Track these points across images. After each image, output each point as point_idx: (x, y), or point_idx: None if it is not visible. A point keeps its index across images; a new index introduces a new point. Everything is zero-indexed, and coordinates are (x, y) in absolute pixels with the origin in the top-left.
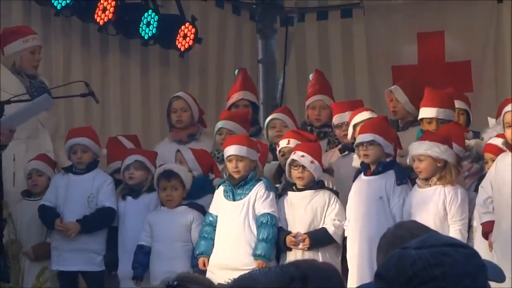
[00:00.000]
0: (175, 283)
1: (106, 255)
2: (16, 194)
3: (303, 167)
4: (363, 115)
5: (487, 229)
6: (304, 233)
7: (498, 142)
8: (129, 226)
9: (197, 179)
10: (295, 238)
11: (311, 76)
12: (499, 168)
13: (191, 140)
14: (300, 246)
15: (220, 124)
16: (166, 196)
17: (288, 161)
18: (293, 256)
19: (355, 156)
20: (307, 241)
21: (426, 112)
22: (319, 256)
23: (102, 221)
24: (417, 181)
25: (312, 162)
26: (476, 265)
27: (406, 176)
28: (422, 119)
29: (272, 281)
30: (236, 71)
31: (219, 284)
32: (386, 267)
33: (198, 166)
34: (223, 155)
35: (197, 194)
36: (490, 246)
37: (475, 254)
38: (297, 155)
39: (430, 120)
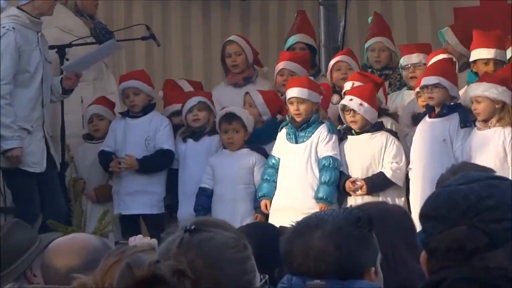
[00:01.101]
0: (193, 227)
1: (166, 197)
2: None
3: (354, 110)
4: (440, 57)
5: None
6: (362, 179)
7: None
8: (189, 169)
9: (266, 124)
10: (352, 185)
11: (370, 20)
12: None
13: (247, 83)
14: (358, 192)
15: (281, 65)
16: (227, 139)
17: (340, 106)
18: (353, 200)
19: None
20: (364, 188)
21: (482, 53)
22: (379, 200)
23: (160, 163)
24: (477, 123)
25: (361, 104)
26: None
27: (471, 119)
28: (475, 60)
29: (338, 220)
30: (296, 13)
31: (281, 226)
32: (434, 205)
33: (267, 110)
34: (285, 97)
35: (265, 139)
36: None
37: None
38: (345, 100)
39: (487, 61)
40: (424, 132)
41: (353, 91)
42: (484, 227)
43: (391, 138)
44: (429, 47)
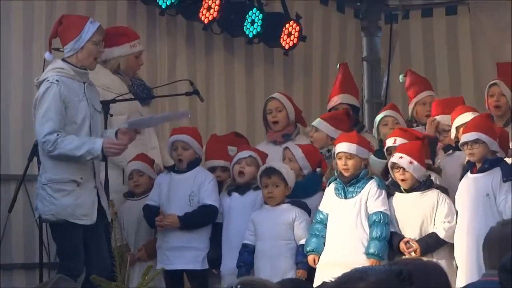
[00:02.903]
0: (238, 286)
1: (210, 252)
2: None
3: (403, 168)
4: (465, 117)
5: None
6: (415, 241)
7: None
8: (234, 223)
9: (307, 177)
10: (406, 247)
11: (401, 78)
12: None
13: (286, 140)
14: (413, 254)
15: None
16: (267, 193)
17: (389, 164)
18: None
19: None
20: (418, 250)
21: None
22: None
23: (202, 219)
24: None
25: (411, 162)
26: None
27: None
28: None
29: (381, 273)
30: (338, 65)
31: (324, 282)
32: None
33: (307, 163)
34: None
35: (307, 193)
36: None
37: None
38: (395, 157)
39: None
40: (467, 188)
41: (402, 148)
42: None
43: (442, 196)
44: (461, 101)
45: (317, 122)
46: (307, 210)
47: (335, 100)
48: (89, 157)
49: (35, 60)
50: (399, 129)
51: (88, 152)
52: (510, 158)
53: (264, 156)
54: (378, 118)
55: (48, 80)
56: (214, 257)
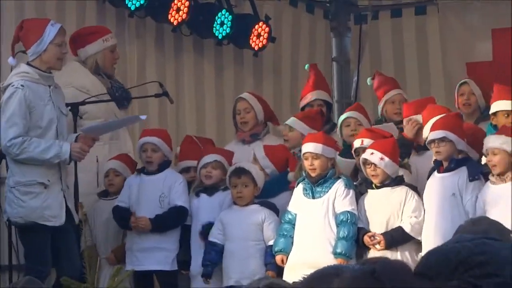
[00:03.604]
0: None
1: (179, 253)
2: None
3: (375, 164)
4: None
5: None
6: (381, 233)
7: None
8: (201, 223)
9: (272, 177)
10: (371, 239)
11: (369, 81)
12: None
13: (255, 140)
14: (377, 247)
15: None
16: (236, 193)
17: (361, 160)
18: (372, 255)
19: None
20: (382, 242)
21: (504, 105)
22: (397, 255)
23: (173, 220)
24: (490, 177)
25: (382, 158)
26: None
27: (479, 172)
28: (496, 112)
29: (355, 271)
30: (307, 66)
31: (294, 282)
32: (425, 265)
33: (269, 163)
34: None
35: (272, 192)
36: None
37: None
38: (367, 153)
39: (507, 113)
40: (433, 188)
41: (374, 145)
42: (475, 282)
43: (411, 192)
44: (432, 101)
45: (292, 121)
46: (276, 211)
47: (309, 97)
48: (56, 160)
49: (3, 62)
50: (366, 130)
51: (56, 156)
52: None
53: (230, 154)
54: (341, 118)
55: (13, 85)
56: (183, 258)
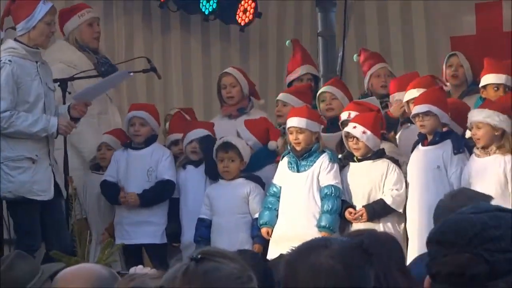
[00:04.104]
0: (199, 256)
1: (168, 226)
2: (87, 168)
3: (357, 138)
4: (412, 93)
5: None
6: (363, 206)
7: None
8: (190, 195)
9: (256, 151)
10: (351, 215)
11: (355, 57)
12: None
13: (241, 114)
14: (360, 219)
15: (278, 97)
16: (223, 168)
17: (343, 133)
18: (356, 227)
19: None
20: (364, 215)
21: (494, 78)
22: (380, 227)
23: (161, 194)
24: (475, 150)
25: (364, 132)
26: None
27: (463, 145)
28: (486, 85)
29: (343, 242)
30: (288, 41)
31: (281, 254)
32: (441, 231)
33: (251, 136)
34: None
35: (257, 166)
36: None
37: None
38: (349, 127)
39: (497, 86)
40: (418, 161)
41: (356, 119)
42: (487, 256)
43: (392, 165)
44: (416, 75)
45: (284, 96)
46: (261, 184)
47: (299, 72)
48: (43, 134)
49: None
50: (353, 102)
51: (43, 130)
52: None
53: (211, 125)
54: (318, 94)
55: (1, 61)
56: (172, 231)
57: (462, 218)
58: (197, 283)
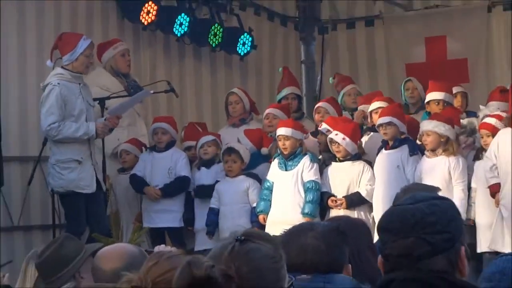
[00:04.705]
0: (243, 237)
1: (184, 214)
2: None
3: (338, 143)
4: (375, 105)
5: (495, 190)
6: (343, 196)
7: (492, 121)
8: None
9: (252, 153)
10: (334, 203)
11: (331, 80)
12: (501, 141)
13: (242, 124)
14: (340, 207)
15: (267, 111)
16: (227, 167)
17: (328, 139)
18: (335, 213)
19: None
20: (344, 204)
21: (436, 95)
22: (354, 214)
23: (179, 187)
24: (426, 152)
25: (344, 139)
26: (456, 211)
27: (417, 149)
28: (429, 101)
29: (324, 226)
30: (280, 68)
31: (274, 235)
32: (389, 220)
33: (248, 142)
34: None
35: (253, 165)
36: (497, 202)
37: (453, 204)
38: (333, 134)
39: (438, 101)
40: (382, 162)
41: (338, 128)
42: (428, 238)
43: (367, 166)
44: (380, 94)
45: (272, 110)
46: (258, 180)
47: (285, 92)
48: (85, 137)
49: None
50: (330, 118)
51: (84, 133)
52: (418, 141)
53: (218, 135)
54: (315, 107)
55: (52, 83)
56: (187, 217)
57: (404, 208)
58: (240, 261)
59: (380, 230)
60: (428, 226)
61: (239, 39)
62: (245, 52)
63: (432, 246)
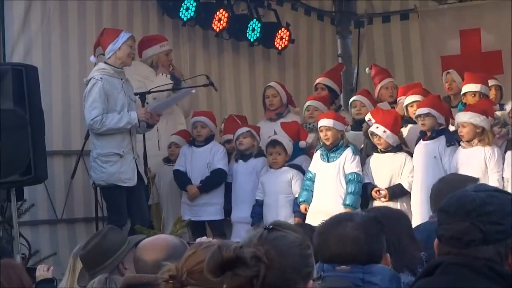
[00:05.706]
0: (271, 226)
1: (225, 205)
2: (159, 158)
3: (379, 136)
4: (410, 98)
5: None
6: (385, 188)
7: None
8: (239, 183)
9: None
10: (377, 194)
11: (367, 70)
12: None
13: (279, 118)
14: (383, 199)
15: (307, 103)
16: (272, 159)
17: (369, 131)
18: (377, 204)
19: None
20: (387, 196)
21: (472, 87)
22: (397, 205)
23: (216, 180)
24: (462, 143)
25: (384, 131)
26: None
27: (454, 140)
28: (466, 93)
29: (363, 216)
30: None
31: (314, 225)
32: (448, 203)
33: (285, 135)
34: (312, 126)
35: (290, 157)
36: None
37: None
38: (373, 127)
39: (474, 93)
40: (420, 152)
41: (379, 120)
42: (482, 226)
43: (409, 158)
44: (419, 85)
45: (316, 103)
46: (302, 171)
47: (316, 81)
48: (129, 126)
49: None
50: (374, 109)
51: (128, 123)
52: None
53: (257, 128)
54: (350, 100)
55: (95, 78)
56: (226, 208)
57: (466, 194)
58: (268, 245)
59: (439, 210)
60: (485, 214)
61: (277, 34)
62: (283, 46)
63: (484, 234)
